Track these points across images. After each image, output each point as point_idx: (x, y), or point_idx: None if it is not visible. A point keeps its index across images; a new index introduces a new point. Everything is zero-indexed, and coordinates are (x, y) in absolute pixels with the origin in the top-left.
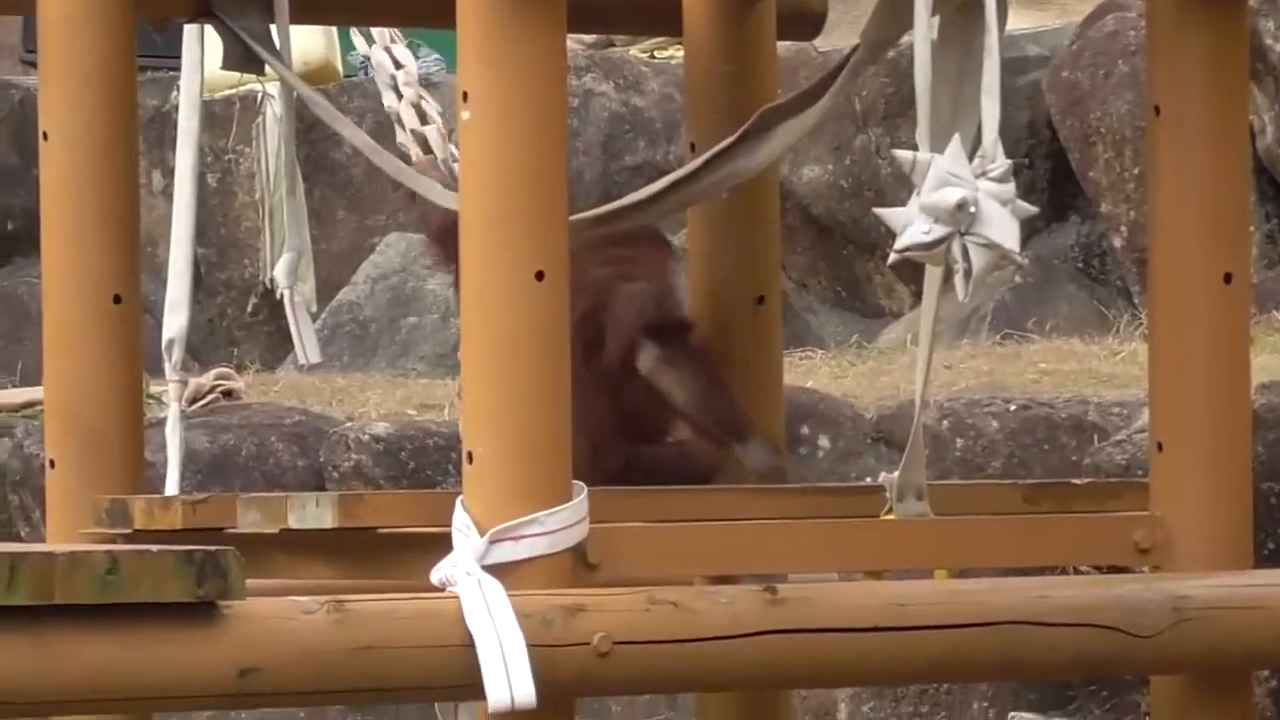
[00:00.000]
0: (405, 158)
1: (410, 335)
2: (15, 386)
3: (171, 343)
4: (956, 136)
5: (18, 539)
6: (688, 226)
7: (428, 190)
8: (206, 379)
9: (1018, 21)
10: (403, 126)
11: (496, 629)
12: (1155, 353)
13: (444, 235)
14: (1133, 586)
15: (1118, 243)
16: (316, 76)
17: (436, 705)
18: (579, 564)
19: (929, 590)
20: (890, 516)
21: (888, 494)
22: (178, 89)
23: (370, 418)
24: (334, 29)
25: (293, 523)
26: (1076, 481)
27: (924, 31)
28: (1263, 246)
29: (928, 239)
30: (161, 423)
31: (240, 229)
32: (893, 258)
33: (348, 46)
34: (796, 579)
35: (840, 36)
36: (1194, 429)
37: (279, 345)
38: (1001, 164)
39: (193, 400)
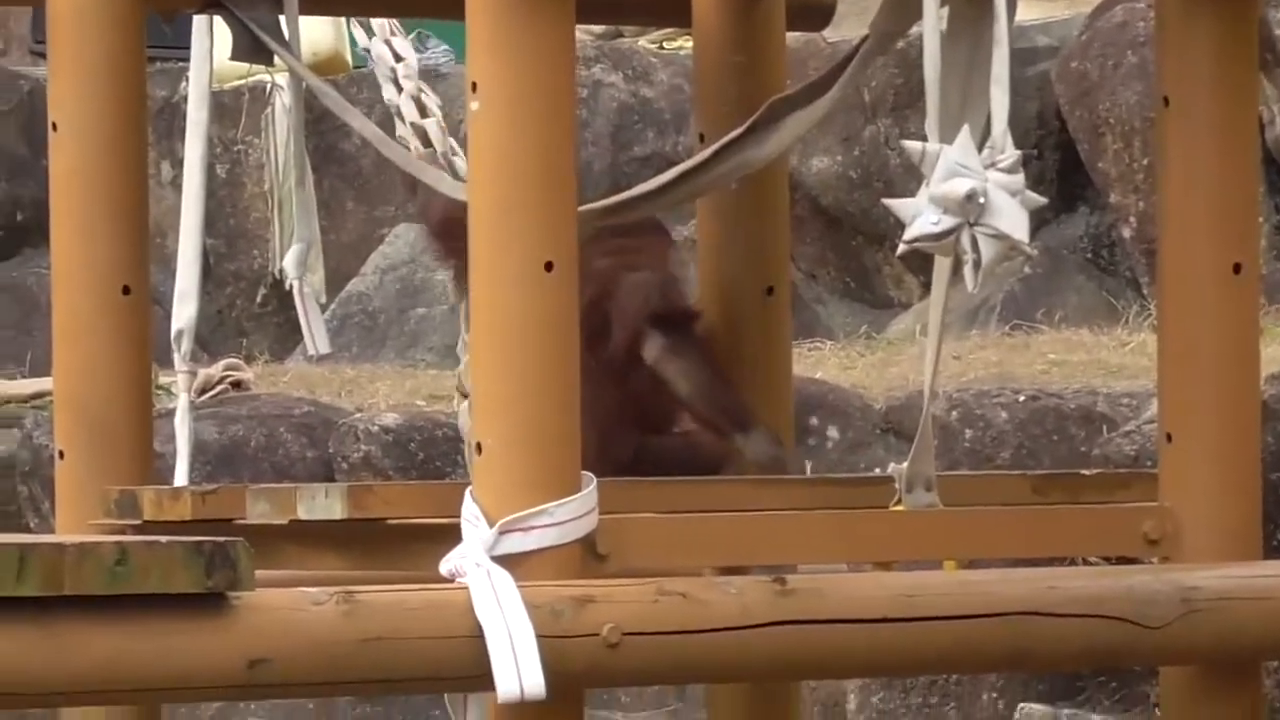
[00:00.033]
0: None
1: (419, 326)
2: (25, 377)
3: (180, 333)
4: (966, 127)
5: (27, 530)
6: (697, 217)
7: (437, 181)
8: (215, 370)
9: (1027, 12)
10: (402, 120)
11: (506, 620)
12: (1164, 343)
13: (443, 229)
14: (1142, 577)
15: (1127, 233)
16: (325, 67)
17: (446, 696)
18: (588, 555)
19: (938, 581)
20: (899, 507)
21: (897, 485)
22: (187, 80)
23: (379, 409)
24: (343, 20)
25: (302, 514)
26: (1085, 472)
27: (933, 22)
28: (1271, 237)
29: (937, 230)
30: (170, 413)
31: (249, 220)
32: (902, 248)
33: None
34: (806, 570)
35: (849, 28)
36: (1203, 420)
37: (288, 336)
38: (1011, 155)
39: (202, 391)
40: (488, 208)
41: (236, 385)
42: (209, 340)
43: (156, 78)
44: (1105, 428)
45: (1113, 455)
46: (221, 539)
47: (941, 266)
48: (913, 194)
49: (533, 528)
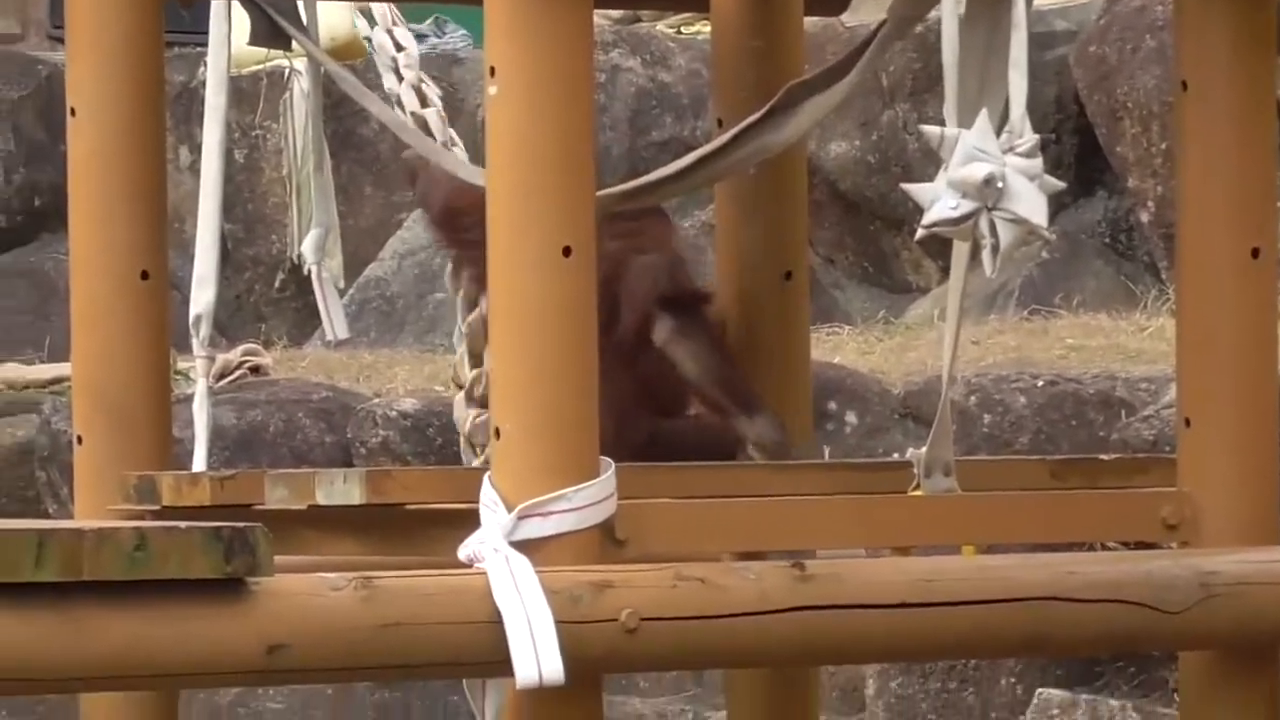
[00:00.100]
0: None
1: (438, 311)
2: (43, 362)
3: (199, 318)
4: (984, 112)
5: (46, 515)
6: (715, 202)
7: (455, 166)
8: (234, 355)
9: None
10: (403, 109)
11: (524, 605)
12: (1183, 328)
13: (444, 218)
14: (1160, 562)
15: (1145, 218)
16: (343, 52)
17: (464, 682)
18: (607, 540)
19: (956, 566)
20: (918, 492)
21: (915, 470)
22: (205, 65)
23: (398, 393)
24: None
25: (320, 499)
26: (1104, 457)
27: (951, 6)
28: None
29: (955, 214)
30: (189, 399)
31: (267, 205)
32: (920, 233)
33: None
34: (824, 555)
35: (867, 12)
36: (1222, 404)
37: (306, 321)
38: (1029, 139)
39: (220, 376)
40: (506, 192)
41: (255, 370)
42: (227, 325)
43: (175, 62)
44: (1124, 413)
45: (1131, 440)
46: (240, 524)
47: (960, 251)
48: (931, 179)
49: (551, 513)
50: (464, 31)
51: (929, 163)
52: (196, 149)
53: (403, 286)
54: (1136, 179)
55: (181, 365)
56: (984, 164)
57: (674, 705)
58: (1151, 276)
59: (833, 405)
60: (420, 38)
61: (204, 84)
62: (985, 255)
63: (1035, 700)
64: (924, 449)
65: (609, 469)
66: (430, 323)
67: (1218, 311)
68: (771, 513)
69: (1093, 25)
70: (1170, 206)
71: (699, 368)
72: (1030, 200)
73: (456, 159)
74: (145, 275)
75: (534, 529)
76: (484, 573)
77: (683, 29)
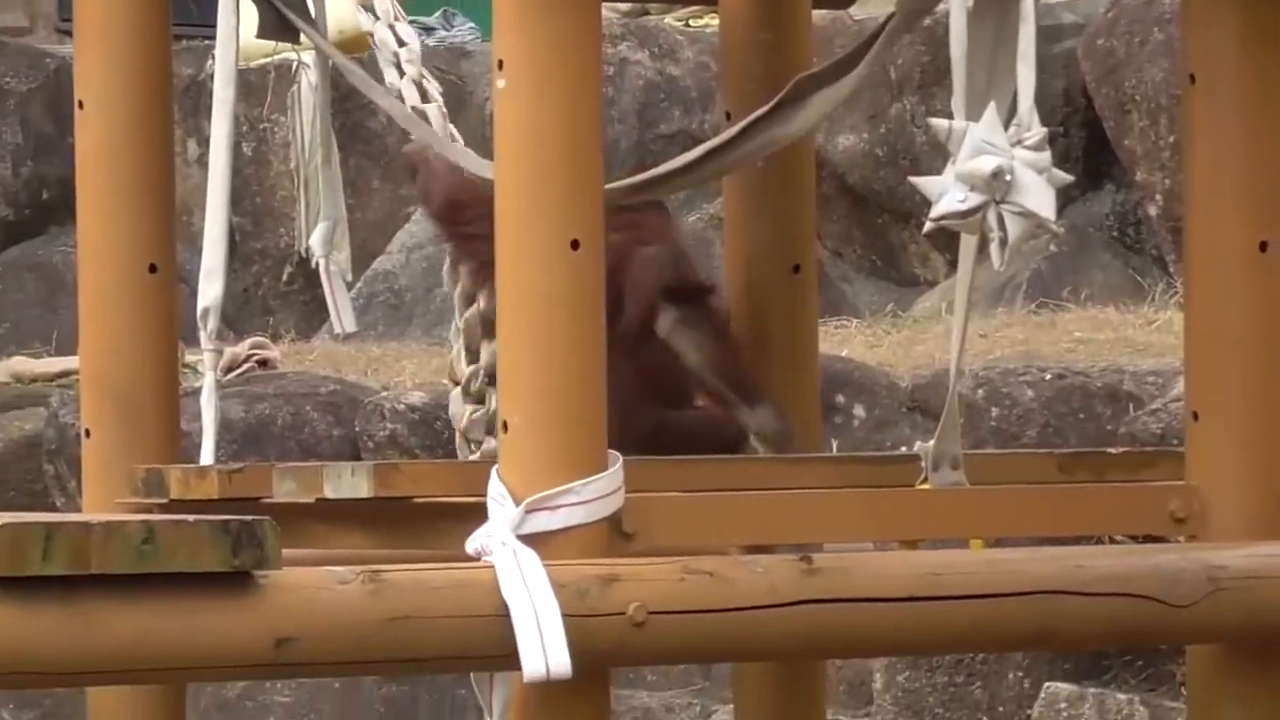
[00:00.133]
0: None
1: (445, 304)
2: (51, 356)
3: (207, 312)
4: (992, 105)
5: (54, 509)
6: (723, 195)
7: (463, 159)
8: (242, 348)
9: None
10: (404, 104)
11: (532, 599)
12: (1190, 321)
13: (444, 212)
14: (1168, 556)
15: (1153, 211)
16: (351, 45)
17: (471, 675)
18: (614, 533)
19: (964, 560)
20: (925, 486)
21: (923, 463)
22: (213, 58)
23: (405, 387)
24: None
25: (328, 492)
26: (1111, 451)
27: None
28: None
29: (963, 207)
30: (197, 392)
31: (275, 198)
32: (928, 226)
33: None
34: (832, 549)
35: (875, 5)
36: (1230, 397)
37: (314, 314)
38: (1037, 132)
39: (228, 369)
40: (514, 185)
41: (263, 364)
42: (235, 319)
43: (182, 55)
44: (1131, 406)
45: (1139, 433)
46: (248, 518)
47: (967, 244)
48: (939, 172)
49: (559, 506)
50: (472, 24)
51: (937, 156)
52: (204, 142)
53: (410, 280)
54: (1144, 172)
55: (189, 358)
56: (992, 157)
57: (681, 699)
58: (1159, 270)
59: (840, 398)
60: (428, 30)
61: (212, 77)
62: (993, 248)
63: (1043, 694)
64: (932, 442)
65: (617, 462)
66: (438, 316)
67: (1226, 305)
68: (779, 506)
69: (1100, 18)
70: (1178, 200)
71: (701, 358)
72: (1038, 193)
73: (464, 151)
74: (153, 268)
75: (542, 522)
76: (491, 566)
77: (691, 22)
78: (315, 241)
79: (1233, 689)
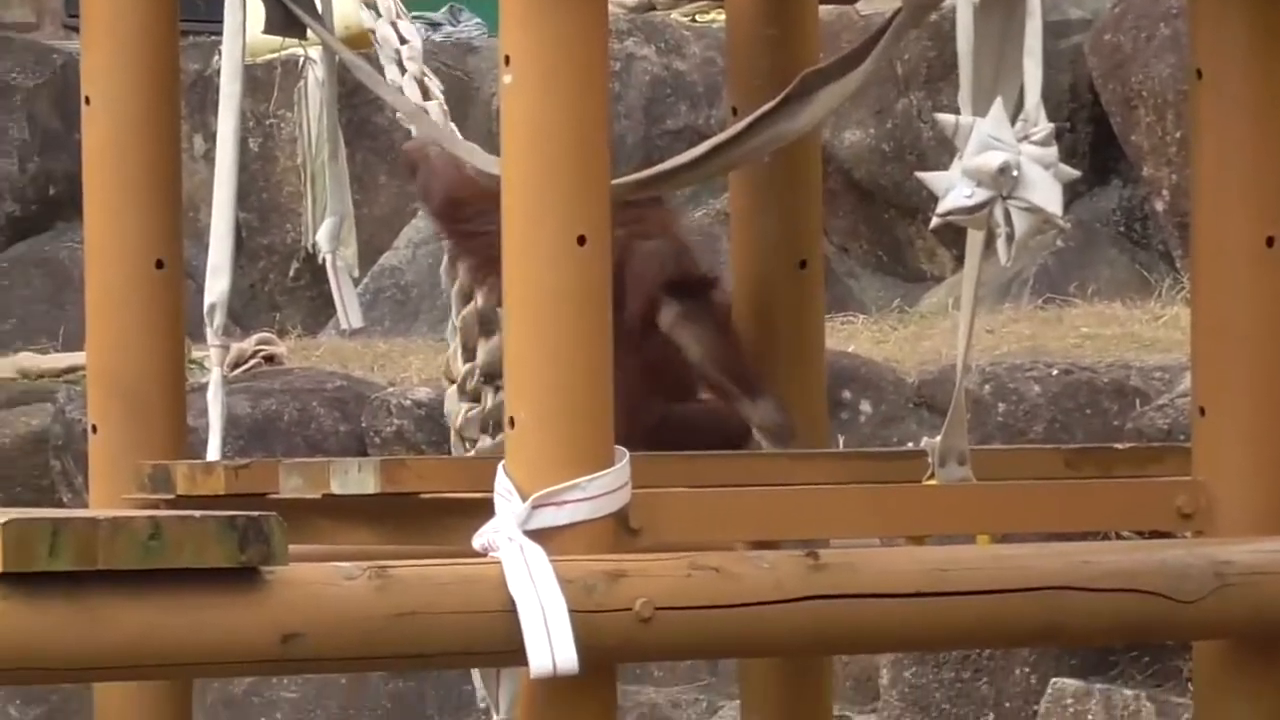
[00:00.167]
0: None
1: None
2: (58, 351)
3: (213, 307)
4: (999, 100)
5: (60, 505)
6: (729, 191)
7: (470, 154)
8: (248, 344)
9: None
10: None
11: (538, 594)
12: (1197, 317)
13: (444, 210)
14: (1175, 551)
15: (1159, 206)
16: (358, 41)
17: (478, 671)
18: (621, 529)
19: (971, 556)
20: (932, 482)
21: (929, 459)
22: (219, 53)
23: (412, 383)
24: None
25: (335, 488)
26: (1118, 446)
27: None
28: None
29: (970, 203)
30: (203, 388)
31: (282, 194)
32: (935, 222)
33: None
34: (838, 544)
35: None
36: (1236, 393)
37: (321, 310)
38: (1044, 127)
39: (235, 365)
40: (521, 181)
41: (269, 359)
42: (241, 314)
43: (189, 51)
44: (1138, 401)
45: (1146, 429)
46: (254, 513)
47: (974, 240)
48: (946, 167)
49: (565, 502)
50: (478, 20)
51: (944, 151)
52: (211, 138)
53: (417, 275)
54: (1151, 167)
55: (196, 354)
56: (999, 152)
57: (688, 695)
58: (1166, 265)
59: (847, 394)
60: (435, 26)
61: (219, 72)
62: (1000, 244)
63: (1049, 690)
64: (938, 438)
65: (623, 458)
66: (445, 311)
67: (1232, 300)
68: (786, 502)
69: (1107, 13)
70: (1185, 195)
71: (703, 351)
72: (1045, 189)
73: (470, 147)
74: (160, 264)
75: (548, 518)
76: (498, 562)
77: (697, 17)
78: (322, 237)
79: (1239, 685)
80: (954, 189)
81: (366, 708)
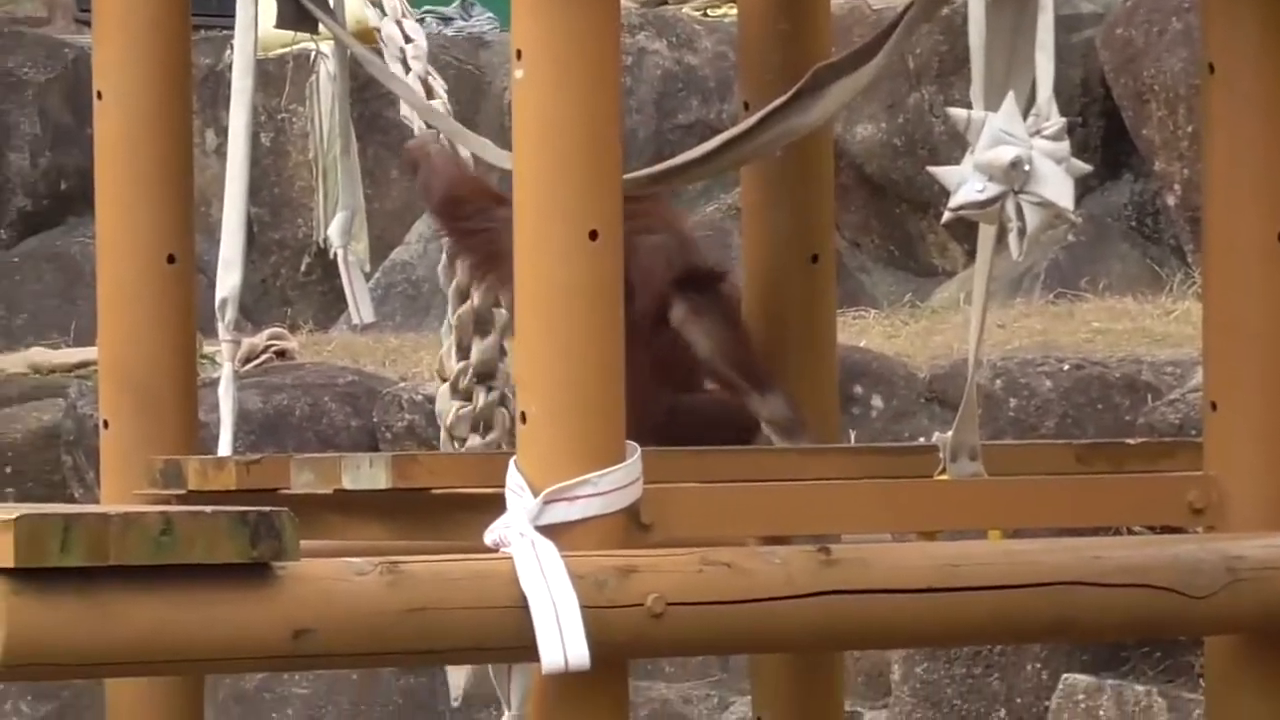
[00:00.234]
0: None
1: None
2: (69, 346)
3: (225, 302)
4: (1011, 94)
5: (72, 500)
6: (741, 185)
7: (481, 149)
8: (260, 339)
9: None
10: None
11: (550, 590)
12: (1209, 311)
13: (444, 208)
14: (1187, 547)
15: (1171, 201)
16: (369, 35)
17: (490, 667)
18: (632, 525)
19: (982, 551)
20: (943, 477)
21: (941, 454)
22: (231, 48)
23: (423, 378)
24: None
25: (346, 483)
26: (1130, 441)
27: None
28: None
29: (982, 197)
30: (215, 383)
31: (294, 188)
32: (947, 216)
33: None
34: (850, 539)
35: None
36: (1248, 388)
37: (332, 305)
38: (1056, 122)
39: (246, 360)
40: (532, 176)
41: (281, 354)
42: (253, 309)
43: (201, 45)
44: (1150, 396)
45: (1157, 424)
46: (266, 509)
47: (986, 234)
48: (957, 161)
49: (577, 497)
50: (490, 14)
51: (955, 146)
52: (223, 132)
53: (428, 270)
54: (1163, 162)
55: (207, 349)
56: (1011, 147)
57: (699, 690)
58: (1177, 260)
59: (858, 389)
60: (446, 20)
61: (230, 67)
62: (1011, 238)
63: (1060, 685)
64: (950, 433)
65: (635, 453)
66: None
67: (1244, 295)
68: (797, 497)
69: (1119, 7)
70: (1196, 190)
71: (712, 346)
72: (1057, 183)
73: (482, 142)
74: (171, 259)
75: (560, 514)
76: (510, 557)
77: (709, 11)
78: (333, 232)
79: (1251, 680)
80: (966, 183)
81: (378, 703)
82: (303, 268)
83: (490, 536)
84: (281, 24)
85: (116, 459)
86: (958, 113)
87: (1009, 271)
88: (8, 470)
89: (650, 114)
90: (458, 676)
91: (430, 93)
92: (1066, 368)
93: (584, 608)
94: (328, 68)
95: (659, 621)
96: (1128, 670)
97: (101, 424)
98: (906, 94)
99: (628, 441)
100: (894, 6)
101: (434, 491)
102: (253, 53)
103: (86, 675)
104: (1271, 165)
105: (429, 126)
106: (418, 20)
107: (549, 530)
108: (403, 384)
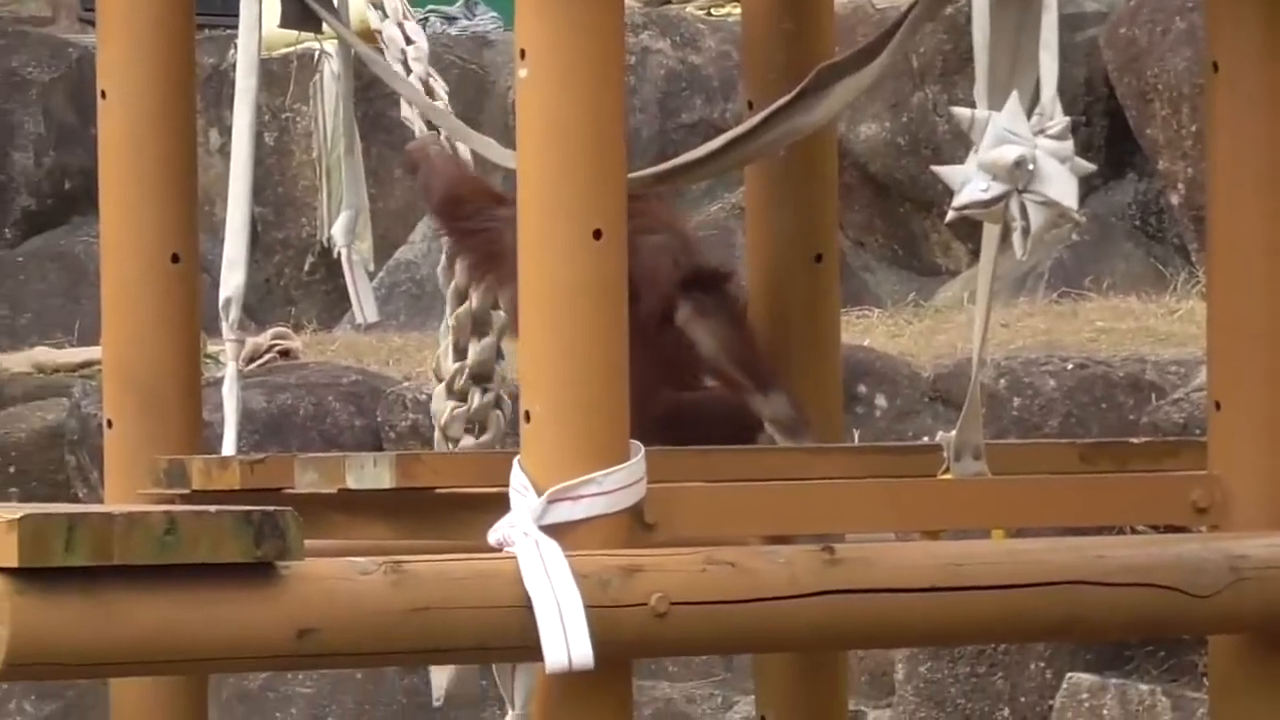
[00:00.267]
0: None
1: None
2: (73, 346)
3: (229, 302)
4: (1014, 93)
5: (76, 499)
6: (745, 184)
7: (485, 149)
8: (264, 338)
9: None
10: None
11: (554, 590)
12: (1213, 311)
13: (444, 208)
14: (1190, 546)
15: (1175, 200)
16: (373, 35)
17: (494, 666)
18: (636, 524)
19: (986, 550)
20: (947, 476)
21: (945, 453)
22: (235, 47)
23: (427, 377)
24: None
25: (350, 483)
26: (1134, 440)
27: None
28: None
29: (986, 197)
30: (219, 382)
31: (298, 188)
32: (950, 215)
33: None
34: (854, 539)
35: None
36: (1252, 387)
37: (336, 304)
38: (1060, 121)
39: (250, 360)
40: (536, 175)
41: (284, 354)
42: (257, 309)
43: (205, 45)
44: (1154, 395)
45: (1161, 423)
46: (270, 508)
47: (990, 233)
48: (961, 161)
49: (581, 497)
50: (494, 13)
51: (959, 145)
52: (227, 132)
53: (432, 269)
54: (1167, 161)
55: (211, 349)
56: (1014, 146)
57: (703, 690)
58: (1181, 259)
59: (862, 388)
60: (450, 20)
61: (234, 67)
62: (1015, 238)
63: (1065, 684)
64: (954, 432)
65: (639, 453)
66: None
67: (1248, 294)
68: (801, 496)
69: (1123, 7)
70: (1200, 189)
71: (717, 346)
72: (1061, 182)
73: (486, 141)
74: (175, 258)
75: (564, 513)
76: (513, 557)
77: (713, 11)
78: (337, 231)
79: (1255, 679)
80: (969, 183)
81: (382, 703)
82: (306, 267)
83: (494, 536)
84: (285, 23)
85: (120, 458)
86: (961, 112)
87: (1013, 271)
88: (12, 470)
89: (654, 113)
90: (440, 676)
91: (432, 95)
92: (1070, 367)
93: (588, 607)
94: (332, 67)
95: (663, 621)
96: (1132, 669)
97: (105, 423)
98: (910, 93)
99: (632, 441)
100: (897, 6)
101: (438, 491)
102: (257, 52)
103: (90, 675)
104: (1275, 164)
105: (432, 127)
106: (420, 20)
107: (553, 530)
108: (406, 383)
